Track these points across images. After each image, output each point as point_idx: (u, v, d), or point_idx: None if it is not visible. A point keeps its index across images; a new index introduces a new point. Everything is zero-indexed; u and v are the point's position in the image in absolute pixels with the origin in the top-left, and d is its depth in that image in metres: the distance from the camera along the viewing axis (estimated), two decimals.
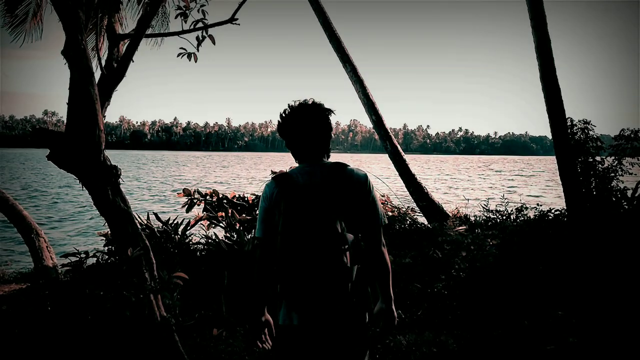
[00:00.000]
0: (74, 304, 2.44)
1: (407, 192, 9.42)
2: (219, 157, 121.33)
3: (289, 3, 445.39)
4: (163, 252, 4.77)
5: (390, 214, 6.42)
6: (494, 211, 8.73)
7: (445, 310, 4.33)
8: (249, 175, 46.86)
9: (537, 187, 35.42)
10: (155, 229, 5.23)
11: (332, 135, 2.22)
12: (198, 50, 3.98)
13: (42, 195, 24.99)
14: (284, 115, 2.15)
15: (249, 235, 5.53)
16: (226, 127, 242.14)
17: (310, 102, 2.15)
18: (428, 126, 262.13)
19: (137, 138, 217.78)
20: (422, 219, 8.23)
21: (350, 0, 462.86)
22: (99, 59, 3.26)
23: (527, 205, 8.43)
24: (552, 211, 7.41)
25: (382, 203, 7.05)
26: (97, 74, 3.48)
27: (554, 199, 23.60)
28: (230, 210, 5.64)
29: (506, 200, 8.89)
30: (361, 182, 2.11)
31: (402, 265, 4.87)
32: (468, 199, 10.77)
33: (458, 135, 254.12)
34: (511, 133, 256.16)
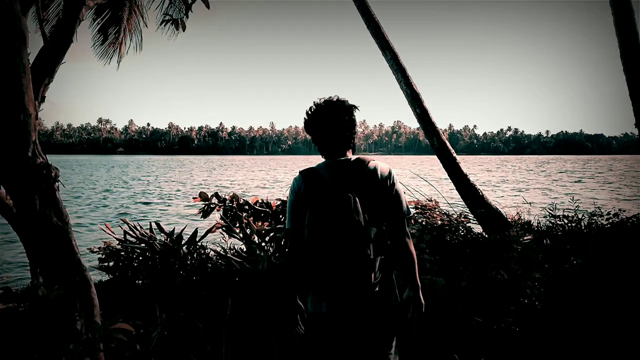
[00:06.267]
0: None
1: (450, 195, 8.31)
2: (253, 160, 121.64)
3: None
4: (157, 273, 3.92)
5: (440, 222, 5.32)
6: (560, 217, 7.48)
7: (517, 356, 3.23)
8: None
9: (601, 188, 32.82)
10: (156, 243, 4.40)
11: (357, 130, 2.27)
12: (187, 17, 3.12)
13: (83, 200, 25.23)
14: (309, 111, 2.23)
15: (269, 248, 4.61)
16: (270, 131, 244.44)
17: (334, 99, 2.20)
18: (475, 126, 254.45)
19: (185, 143, 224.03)
20: (476, 228, 7.08)
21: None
22: (41, 25, 2.45)
23: (602, 211, 7.11)
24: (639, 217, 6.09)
25: (429, 208, 5.96)
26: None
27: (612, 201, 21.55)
28: (245, 219, 4.73)
29: (576, 206, 7.60)
30: (384, 175, 2.17)
31: (457, 289, 3.79)
32: (531, 203, 9.42)
33: (507, 135, 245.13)
34: (564, 131, 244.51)
